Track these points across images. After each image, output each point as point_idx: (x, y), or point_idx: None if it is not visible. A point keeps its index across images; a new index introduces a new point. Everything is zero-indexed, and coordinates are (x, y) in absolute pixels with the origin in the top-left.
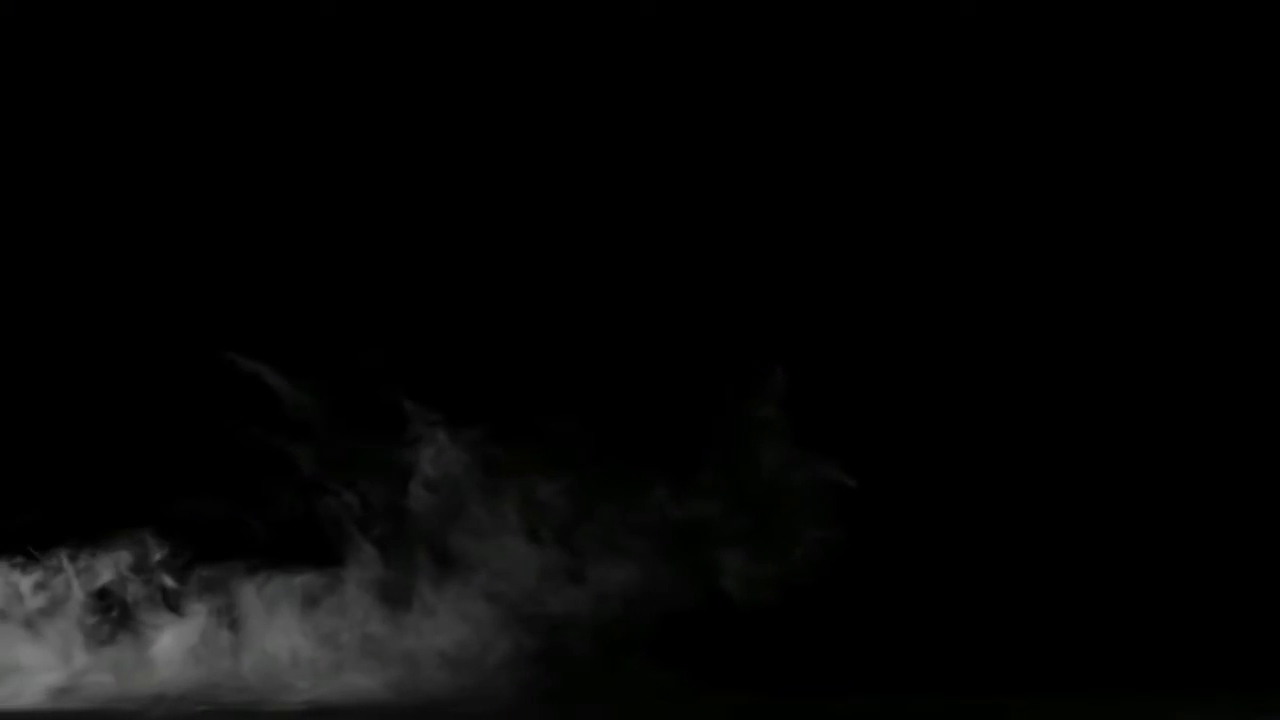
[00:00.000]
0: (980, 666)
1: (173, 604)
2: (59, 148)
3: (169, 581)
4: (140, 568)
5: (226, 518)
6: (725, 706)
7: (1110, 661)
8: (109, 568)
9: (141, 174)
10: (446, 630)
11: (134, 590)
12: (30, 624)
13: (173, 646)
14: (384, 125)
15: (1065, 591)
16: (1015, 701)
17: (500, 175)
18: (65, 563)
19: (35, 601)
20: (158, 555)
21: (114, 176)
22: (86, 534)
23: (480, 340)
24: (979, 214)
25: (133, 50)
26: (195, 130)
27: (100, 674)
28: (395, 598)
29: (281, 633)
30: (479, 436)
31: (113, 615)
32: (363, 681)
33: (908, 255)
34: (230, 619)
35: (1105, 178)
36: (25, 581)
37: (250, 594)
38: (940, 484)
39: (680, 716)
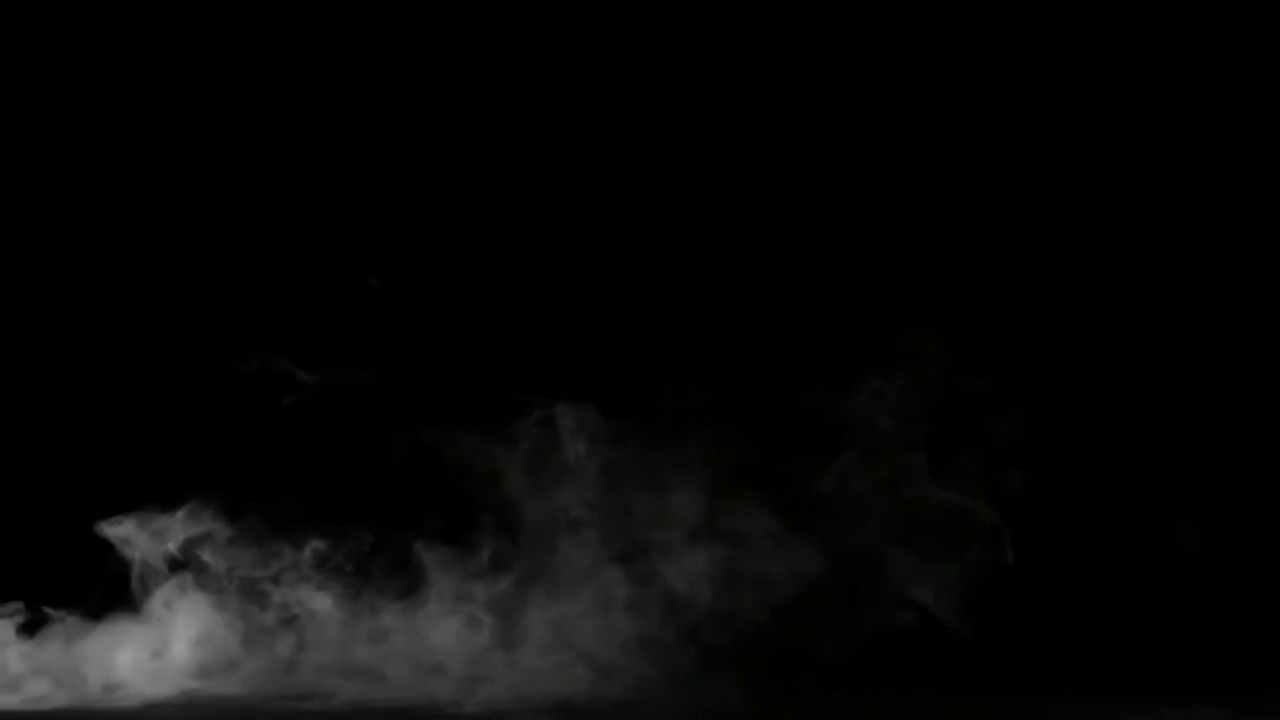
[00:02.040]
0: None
1: (340, 598)
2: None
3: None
4: (318, 563)
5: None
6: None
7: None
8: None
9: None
10: (594, 630)
11: (305, 586)
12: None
13: (335, 642)
14: (469, 113)
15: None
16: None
17: (632, 149)
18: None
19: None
20: (338, 550)
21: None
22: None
23: (611, 320)
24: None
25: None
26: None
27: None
28: (549, 595)
29: (442, 634)
30: (612, 423)
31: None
32: (527, 685)
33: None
34: (394, 618)
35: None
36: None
37: (415, 592)
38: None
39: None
